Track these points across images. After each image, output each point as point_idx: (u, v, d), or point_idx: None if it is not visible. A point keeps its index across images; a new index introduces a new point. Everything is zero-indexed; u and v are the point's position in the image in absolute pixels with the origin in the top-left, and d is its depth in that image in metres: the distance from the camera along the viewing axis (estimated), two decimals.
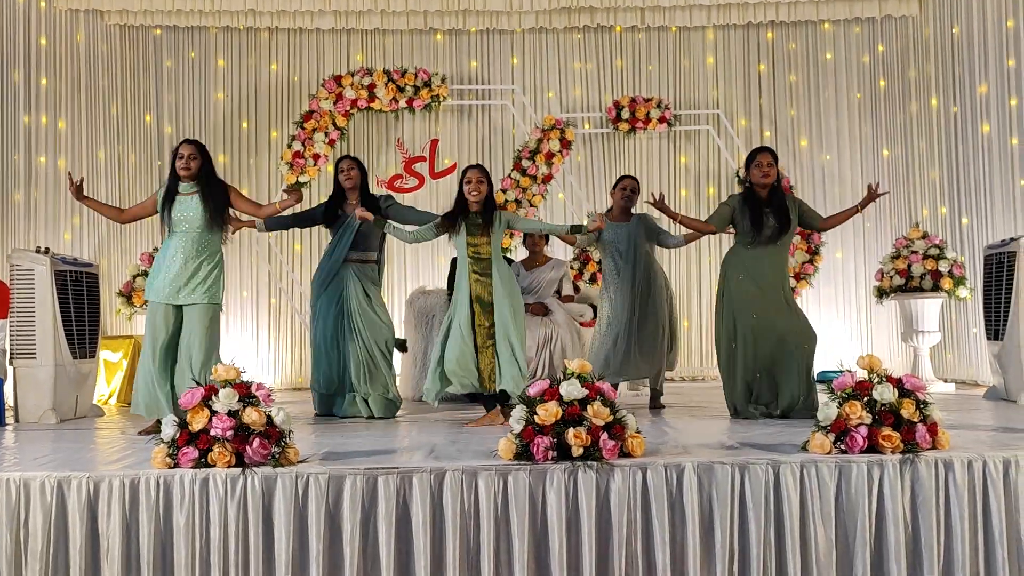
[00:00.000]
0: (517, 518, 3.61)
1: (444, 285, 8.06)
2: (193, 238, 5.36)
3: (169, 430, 3.68)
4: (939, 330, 7.88)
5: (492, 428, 5.17)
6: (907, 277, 7.72)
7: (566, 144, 9.41)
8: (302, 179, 9.21)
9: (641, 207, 6.54)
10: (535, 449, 3.65)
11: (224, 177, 9.28)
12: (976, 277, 7.56)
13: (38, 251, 6.25)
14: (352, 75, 9.36)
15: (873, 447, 3.74)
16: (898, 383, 3.82)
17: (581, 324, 7.51)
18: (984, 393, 6.99)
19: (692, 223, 6.06)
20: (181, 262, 5.34)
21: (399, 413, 6.31)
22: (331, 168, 9.20)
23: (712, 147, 9.71)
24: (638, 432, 3.81)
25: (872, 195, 5.80)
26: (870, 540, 3.65)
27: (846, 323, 9.63)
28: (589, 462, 3.64)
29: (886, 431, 3.72)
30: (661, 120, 9.47)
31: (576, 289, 7.83)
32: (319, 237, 9.49)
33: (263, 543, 3.56)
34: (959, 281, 7.62)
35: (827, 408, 3.82)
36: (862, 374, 3.88)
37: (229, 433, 3.60)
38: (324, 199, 6.51)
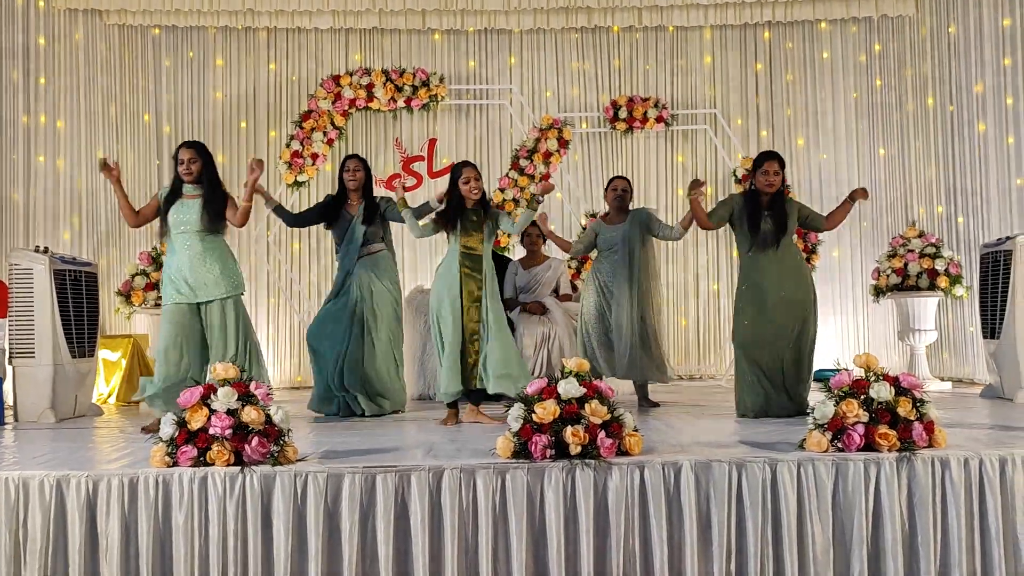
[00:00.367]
0: (515, 516, 3.62)
1: None
2: (195, 238, 5.44)
3: (168, 429, 3.69)
4: (936, 329, 7.90)
5: (489, 426, 5.19)
6: (904, 276, 7.73)
7: (564, 143, 9.41)
8: (300, 179, 9.22)
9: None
10: (533, 447, 3.66)
11: (223, 177, 9.37)
12: (972, 276, 7.58)
13: (37, 250, 6.26)
14: (350, 75, 9.36)
15: (870, 445, 3.75)
16: (895, 381, 3.84)
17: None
18: (980, 391, 7.01)
19: (699, 211, 5.87)
20: (191, 263, 5.42)
21: (396, 412, 6.32)
22: (330, 167, 9.24)
23: (709, 146, 9.73)
24: (636, 430, 3.83)
25: (856, 192, 5.77)
26: (867, 538, 3.67)
27: (843, 322, 9.65)
28: (587, 460, 3.65)
29: (883, 429, 3.73)
30: (658, 119, 9.48)
31: (574, 288, 7.83)
32: (318, 237, 9.50)
33: (262, 541, 3.58)
34: (955, 280, 7.64)
35: (824, 406, 3.84)
36: (859, 372, 3.89)
37: (228, 432, 3.62)
38: (320, 199, 6.49)
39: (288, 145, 9.31)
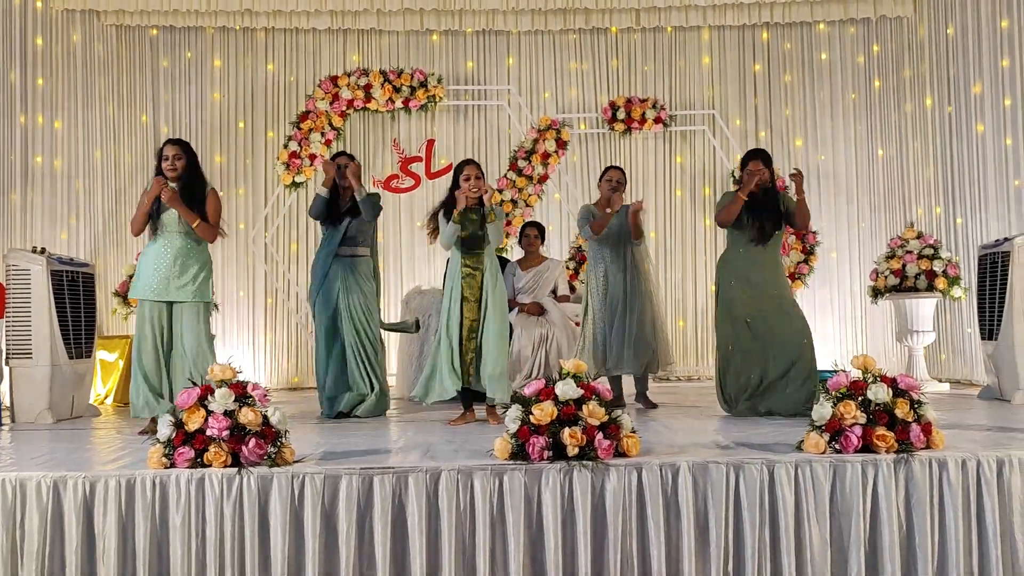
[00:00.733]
0: (513, 518, 3.62)
1: (440, 284, 8.05)
2: (181, 238, 5.34)
3: (165, 430, 3.68)
4: (934, 330, 7.89)
5: (487, 427, 5.18)
6: (902, 277, 7.72)
7: (562, 144, 9.42)
8: (298, 179, 9.22)
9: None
10: (531, 449, 3.66)
11: (220, 177, 9.44)
12: (971, 277, 7.58)
13: (34, 251, 6.26)
14: (348, 75, 9.36)
15: (867, 447, 3.75)
16: (892, 383, 3.84)
17: (576, 324, 7.51)
18: (978, 393, 7.01)
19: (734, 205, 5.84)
20: (170, 260, 5.31)
21: (393, 412, 6.31)
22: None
23: (707, 147, 9.73)
24: (633, 432, 3.82)
25: (794, 176, 5.78)
26: (865, 539, 3.67)
27: (841, 323, 9.64)
28: (584, 462, 3.65)
29: (880, 431, 3.73)
30: (656, 120, 9.48)
31: (572, 288, 7.84)
32: (316, 237, 9.48)
33: (259, 543, 3.57)
34: (954, 281, 7.64)
35: (822, 408, 3.83)
36: (856, 374, 3.89)
37: (225, 433, 3.61)
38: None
39: (286, 146, 9.31)
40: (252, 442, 3.62)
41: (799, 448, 3.89)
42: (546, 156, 9.35)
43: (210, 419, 3.63)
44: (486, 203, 5.52)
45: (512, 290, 7.50)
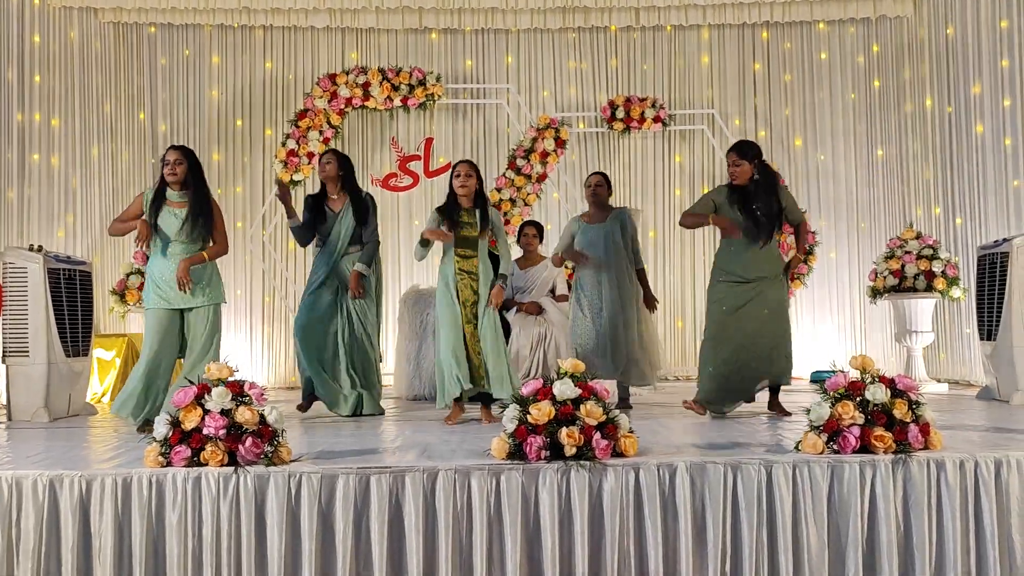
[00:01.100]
0: (510, 517, 3.61)
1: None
2: (185, 248, 5.41)
3: (162, 429, 3.67)
4: (932, 330, 7.88)
5: (485, 427, 5.18)
6: (901, 277, 7.71)
7: (561, 143, 9.41)
8: (296, 177, 9.21)
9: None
10: (528, 448, 3.65)
11: (218, 175, 9.44)
12: (970, 278, 7.58)
13: (31, 249, 6.24)
14: (347, 73, 9.35)
15: (865, 447, 3.75)
16: (891, 383, 3.83)
17: None
18: (977, 393, 7.00)
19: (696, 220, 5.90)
20: (174, 270, 5.38)
21: (391, 411, 6.30)
22: None
23: (707, 147, 9.72)
24: (631, 432, 3.82)
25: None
26: (862, 540, 3.66)
27: (840, 323, 9.64)
28: (582, 462, 3.64)
29: (878, 431, 3.73)
30: (656, 120, 9.48)
31: (570, 288, 7.82)
32: None
33: (256, 542, 3.56)
34: (952, 281, 7.63)
35: (820, 408, 3.83)
36: (855, 374, 3.88)
37: (222, 432, 3.61)
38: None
39: (284, 144, 9.30)
40: (249, 441, 3.61)
41: (797, 448, 3.88)
42: (545, 155, 9.34)
43: (207, 418, 3.62)
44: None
45: (511, 289, 7.50)
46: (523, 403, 3.76)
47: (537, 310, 7.25)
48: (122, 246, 9.16)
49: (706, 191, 9.57)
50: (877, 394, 3.77)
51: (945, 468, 3.72)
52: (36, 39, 8.24)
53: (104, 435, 5.20)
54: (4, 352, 6.14)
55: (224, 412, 3.64)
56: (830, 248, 9.59)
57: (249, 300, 9.57)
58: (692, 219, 5.80)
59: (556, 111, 9.64)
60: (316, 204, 6.16)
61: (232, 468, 3.60)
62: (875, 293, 7.95)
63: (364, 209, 6.09)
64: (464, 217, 5.51)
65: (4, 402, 6.14)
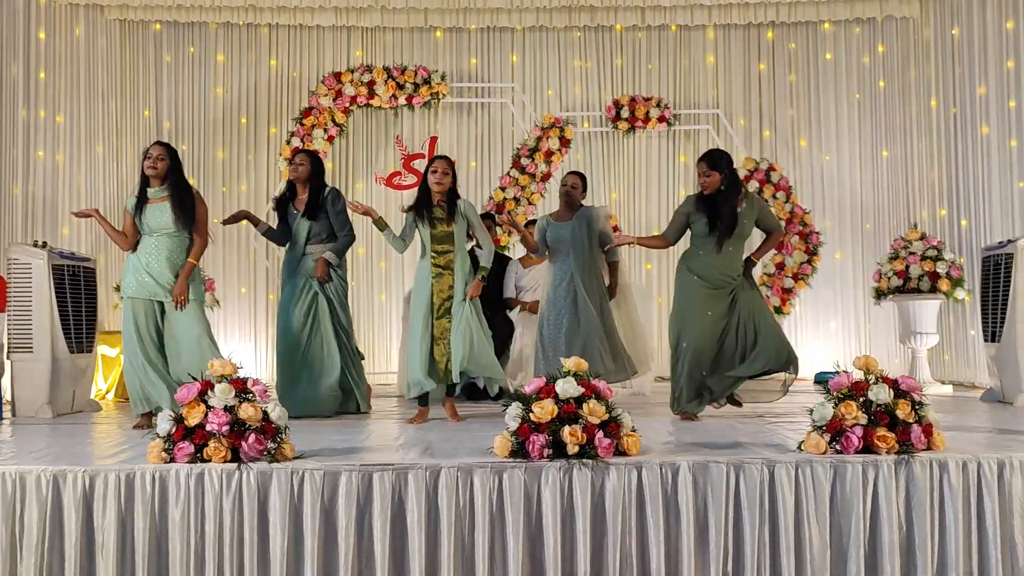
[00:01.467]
0: (512, 515, 3.62)
1: None
2: (171, 239, 5.44)
3: (165, 425, 3.68)
4: (937, 332, 7.88)
5: (488, 424, 5.17)
6: (905, 278, 7.71)
7: (565, 143, 9.40)
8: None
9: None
10: (531, 447, 3.65)
11: (222, 173, 9.45)
12: (974, 279, 7.56)
13: (36, 245, 6.27)
14: (352, 72, 9.35)
15: (868, 447, 3.75)
16: (894, 384, 3.83)
17: None
18: (981, 395, 6.99)
19: (648, 242, 6.10)
20: (164, 262, 5.41)
21: (394, 409, 6.30)
22: (330, 165, 9.25)
23: (711, 146, 9.69)
24: (634, 431, 3.82)
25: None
26: (864, 540, 3.66)
27: (844, 324, 9.63)
28: (584, 460, 3.64)
29: (881, 431, 3.73)
30: (660, 119, 9.47)
31: None
32: None
33: (258, 538, 3.57)
34: (957, 283, 7.62)
35: (823, 408, 3.83)
36: (858, 375, 3.88)
37: (225, 428, 3.61)
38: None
39: (289, 142, 9.30)
40: (252, 438, 3.62)
41: (800, 448, 3.88)
42: (549, 154, 9.34)
43: (210, 414, 3.63)
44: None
45: (514, 288, 7.49)
46: (526, 401, 3.76)
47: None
48: None
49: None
50: (880, 394, 3.77)
51: (948, 469, 3.71)
52: (42, 36, 8.26)
53: (108, 431, 5.22)
54: (8, 348, 6.16)
55: (227, 409, 3.65)
56: (834, 249, 9.58)
57: (253, 298, 9.58)
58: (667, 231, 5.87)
59: (561, 110, 9.64)
60: (282, 205, 6.17)
61: (235, 464, 3.60)
62: (879, 294, 7.95)
63: (316, 202, 6.02)
64: (436, 213, 5.52)
65: (8, 398, 6.15)
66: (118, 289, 8.08)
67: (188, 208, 5.43)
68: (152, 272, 5.40)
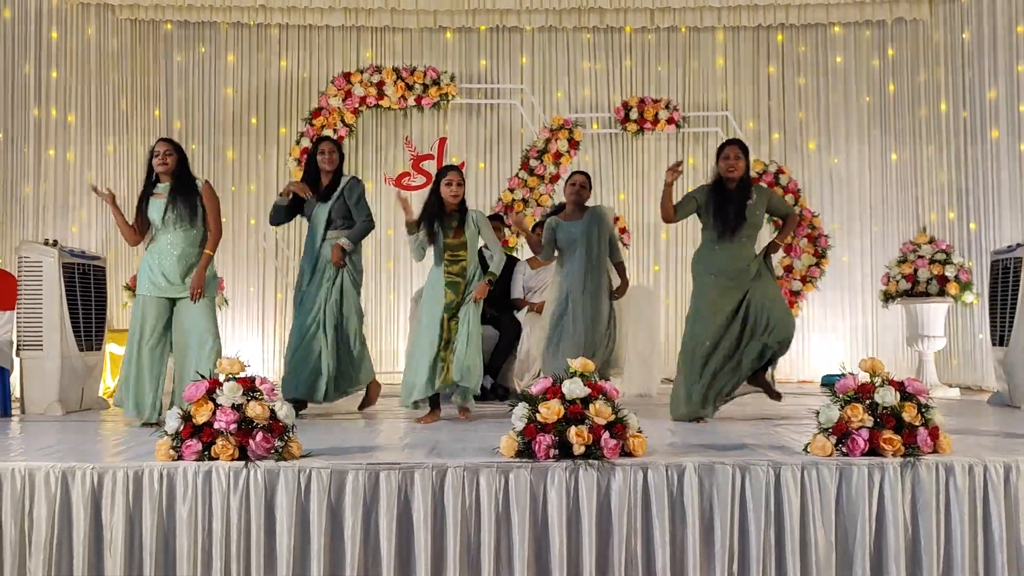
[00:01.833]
0: (518, 515, 3.62)
1: None
2: (183, 233, 5.48)
3: (173, 423, 3.70)
4: (945, 335, 7.86)
5: (494, 424, 5.18)
6: (913, 282, 7.69)
7: (574, 144, 9.41)
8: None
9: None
10: (537, 447, 3.66)
11: (232, 173, 9.48)
12: (983, 282, 7.55)
13: (46, 243, 6.30)
14: (361, 72, 9.38)
15: (874, 450, 3.75)
16: (900, 386, 3.83)
17: None
18: (988, 399, 6.97)
19: (666, 201, 5.76)
20: (176, 257, 5.46)
21: (401, 408, 6.31)
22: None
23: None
24: (640, 432, 3.82)
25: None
26: (870, 543, 3.66)
27: (851, 327, 9.61)
28: (590, 461, 3.65)
29: (887, 434, 3.72)
30: (669, 121, 9.47)
31: None
32: None
33: (265, 536, 3.59)
34: (965, 286, 7.60)
35: (829, 410, 3.83)
36: (864, 377, 3.88)
37: (233, 426, 3.63)
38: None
39: (298, 142, 9.33)
40: (259, 436, 3.63)
41: (806, 450, 3.88)
42: (558, 156, 9.35)
43: (218, 412, 3.65)
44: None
45: (522, 289, 7.50)
46: (532, 402, 3.77)
47: None
48: None
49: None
50: (887, 397, 3.77)
51: (954, 472, 3.71)
52: (54, 35, 8.30)
53: (116, 428, 5.24)
54: (18, 345, 6.19)
55: (235, 407, 3.66)
56: (843, 251, 9.56)
57: (262, 296, 9.61)
58: (662, 208, 5.78)
59: (570, 112, 9.64)
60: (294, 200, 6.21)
61: (243, 462, 3.62)
62: (887, 297, 7.93)
63: (334, 189, 6.08)
64: (449, 223, 5.56)
65: (18, 395, 6.18)
66: (127, 287, 8.15)
67: (192, 201, 5.48)
68: (165, 272, 5.47)
